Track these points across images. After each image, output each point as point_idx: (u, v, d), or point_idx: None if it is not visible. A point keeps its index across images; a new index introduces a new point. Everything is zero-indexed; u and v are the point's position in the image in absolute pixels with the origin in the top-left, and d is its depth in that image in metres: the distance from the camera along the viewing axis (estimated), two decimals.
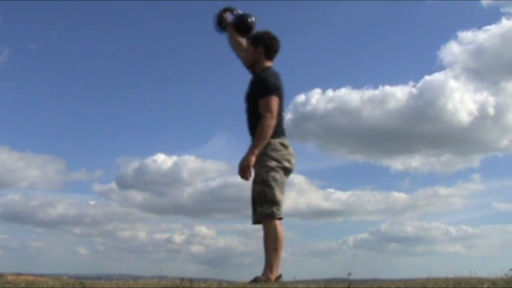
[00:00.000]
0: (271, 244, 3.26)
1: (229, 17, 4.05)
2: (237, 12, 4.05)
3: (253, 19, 3.96)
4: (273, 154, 3.41)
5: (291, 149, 3.51)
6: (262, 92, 3.47)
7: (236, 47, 3.96)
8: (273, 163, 3.39)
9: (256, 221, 3.38)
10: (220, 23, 4.07)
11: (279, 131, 3.50)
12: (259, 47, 3.64)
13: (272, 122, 3.40)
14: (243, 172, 3.36)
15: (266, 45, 3.64)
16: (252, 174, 3.44)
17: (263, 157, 3.41)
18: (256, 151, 3.38)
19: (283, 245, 3.33)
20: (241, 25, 3.95)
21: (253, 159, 3.36)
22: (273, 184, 3.34)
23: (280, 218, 3.35)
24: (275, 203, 3.32)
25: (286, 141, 3.51)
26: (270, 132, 3.39)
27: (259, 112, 3.48)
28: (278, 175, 3.38)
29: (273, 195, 3.32)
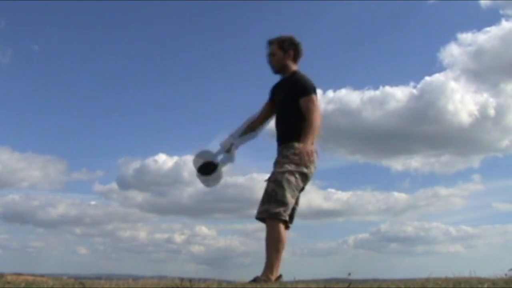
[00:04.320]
0: (273, 244, 3.26)
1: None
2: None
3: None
4: (294, 158, 3.39)
5: (314, 156, 3.46)
6: (302, 92, 3.50)
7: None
8: (291, 166, 3.38)
9: (258, 216, 3.36)
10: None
11: None
12: (289, 51, 3.67)
13: (319, 118, 3.43)
14: (305, 157, 3.30)
15: (295, 49, 3.70)
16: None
17: (284, 159, 3.42)
18: (309, 142, 3.35)
19: (285, 246, 3.33)
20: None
21: (311, 147, 3.34)
22: (286, 185, 3.33)
23: (285, 221, 3.35)
24: (283, 204, 3.31)
25: (312, 147, 3.48)
26: (318, 126, 3.41)
27: (292, 115, 3.50)
28: (293, 178, 3.37)
29: (283, 196, 3.31)
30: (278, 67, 3.71)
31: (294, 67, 3.69)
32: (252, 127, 3.84)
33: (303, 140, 3.37)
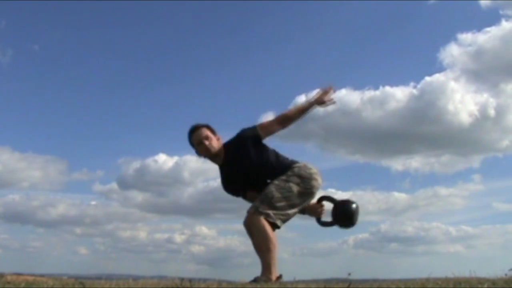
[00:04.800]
0: (264, 244, 3.24)
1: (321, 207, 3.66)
2: (335, 200, 3.62)
3: (354, 206, 3.55)
4: (300, 172, 3.43)
5: (314, 173, 3.48)
6: (250, 131, 3.49)
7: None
8: (295, 179, 3.41)
9: (250, 209, 3.34)
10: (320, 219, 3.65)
11: (291, 161, 3.52)
12: (216, 133, 3.58)
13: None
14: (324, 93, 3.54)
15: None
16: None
17: (289, 172, 3.43)
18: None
19: (277, 243, 3.31)
20: (345, 216, 3.56)
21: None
22: (285, 194, 3.35)
23: (275, 225, 3.31)
24: (276, 208, 3.31)
25: (309, 165, 3.52)
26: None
27: (264, 163, 3.45)
28: (296, 188, 3.38)
29: (278, 201, 3.32)
30: (217, 148, 3.53)
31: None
32: None
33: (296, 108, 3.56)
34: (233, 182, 3.62)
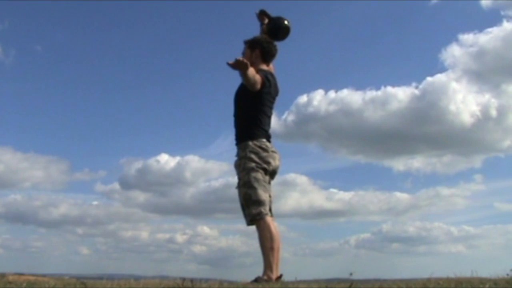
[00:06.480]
0: (267, 243, 3.28)
1: (264, 19, 4.08)
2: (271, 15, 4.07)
3: (286, 22, 3.97)
4: (252, 156, 3.44)
5: (271, 151, 3.52)
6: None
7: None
8: (252, 164, 3.43)
9: (248, 223, 3.41)
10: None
11: (258, 133, 3.52)
12: (255, 51, 3.68)
13: (257, 78, 3.39)
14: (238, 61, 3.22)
15: (263, 48, 3.69)
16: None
17: (243, 159, 3.47)
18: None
19: (280, 243, 3.33)
20: (276, 28, 3.95)
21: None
22: (256, 184, 3.39)
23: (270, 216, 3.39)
24: (261, 203, 3.36)
25: (265, 143, 3.52)
26: (254, 77, 3.36)
27: (242, 113, 3.54)
28: (259, 174, 3.43)
29: (257, 195, 3.37)
30: None
31: (261, 66, 3.65)
32: None
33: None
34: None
